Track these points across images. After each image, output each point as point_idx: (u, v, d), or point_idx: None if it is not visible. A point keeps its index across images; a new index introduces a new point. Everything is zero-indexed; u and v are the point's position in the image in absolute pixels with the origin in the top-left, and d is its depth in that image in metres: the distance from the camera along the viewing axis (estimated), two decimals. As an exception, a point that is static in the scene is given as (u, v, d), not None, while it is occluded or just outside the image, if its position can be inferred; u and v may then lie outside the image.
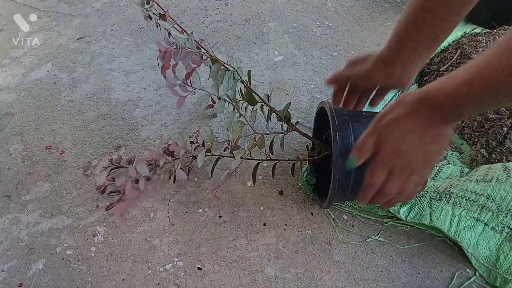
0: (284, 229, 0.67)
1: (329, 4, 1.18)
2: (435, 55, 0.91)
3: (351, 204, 0.69)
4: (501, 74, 0.41)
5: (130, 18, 1.20)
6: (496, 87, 0.42)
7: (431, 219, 0.62)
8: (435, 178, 0.70)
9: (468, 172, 0.68)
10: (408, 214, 0.64)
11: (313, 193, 0.71)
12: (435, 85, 0.47)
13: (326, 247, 0.64)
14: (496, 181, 0.62)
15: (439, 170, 0.70)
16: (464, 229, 0.61)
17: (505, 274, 0.57)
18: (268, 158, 0.68)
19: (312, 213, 0.69)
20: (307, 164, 0.73)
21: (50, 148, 0.84)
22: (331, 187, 0.58)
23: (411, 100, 0.49)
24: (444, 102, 0.47)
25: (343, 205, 0.69)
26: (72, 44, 1.12)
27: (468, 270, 0.60)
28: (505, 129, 0.71)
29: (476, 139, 0.74)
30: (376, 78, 0.60)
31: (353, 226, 0.67)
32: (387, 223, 0.66)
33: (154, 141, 0.83)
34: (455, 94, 0.45)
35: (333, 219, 0.68)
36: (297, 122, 0.69)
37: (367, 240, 0.65)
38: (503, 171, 0.63)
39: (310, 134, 0.77)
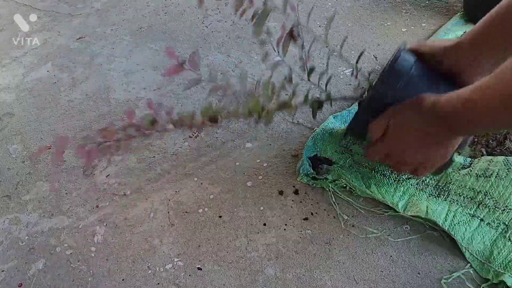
0: (284, 229, 0.67)
1: (329, 4, 1.18)
2: None
3: (351, 202, 0.69)
4: (501, 100, 0.42)
5: (130, 18, 1.20)
6: (497, 112, 0.44)
7: (427, 212, 0.63)
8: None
9: (470, 162, 0.68)
10: (406, 208, 0.65)
11: (314, 183, 0.72)
12: (446, 97, 0.49)
13: (326, 247, 0.64)
14: (495, 177, 0.63)
15: None
16: (459, 223, 0.62)
17: (498, 268, 0.58)
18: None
19: (312, 213, 0.69)
20: (301, 160, 0.74)
21: (50, 148, 0.84)
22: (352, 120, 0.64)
23: (424, 104, 0.52)
24: (449, 114, 0.49)
25: (343, 205, 0.69)
26: (72, 44, 1.12)
27: (470, 271, 0.60)
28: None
29: (476, 139, 0.74)
30: (444, 55, 0.57)
31: (353, 226, 0.67)
32: (383, 214, 0.67)
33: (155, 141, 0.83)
34: (459, 108, 0.47)
35: (333, 218, 0.68)
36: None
37: (367, 238, 0.65)
38: (504, 165, 0.63)
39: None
